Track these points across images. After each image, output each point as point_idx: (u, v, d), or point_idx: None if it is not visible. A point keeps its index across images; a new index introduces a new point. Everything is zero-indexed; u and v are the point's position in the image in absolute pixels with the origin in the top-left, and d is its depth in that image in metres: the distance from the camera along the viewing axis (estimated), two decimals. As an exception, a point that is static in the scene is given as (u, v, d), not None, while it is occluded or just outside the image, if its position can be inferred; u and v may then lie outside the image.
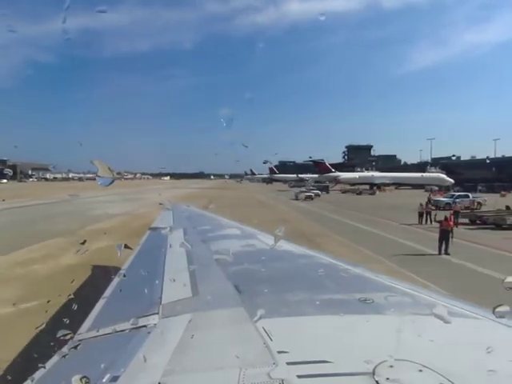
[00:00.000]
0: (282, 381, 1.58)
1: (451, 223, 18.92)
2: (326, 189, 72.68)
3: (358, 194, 75.62)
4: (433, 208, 35.29)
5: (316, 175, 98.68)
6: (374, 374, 1.60)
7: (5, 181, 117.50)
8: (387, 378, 1.56)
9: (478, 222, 29.24)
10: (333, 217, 34.97)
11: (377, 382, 1.55)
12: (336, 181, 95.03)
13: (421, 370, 1.62)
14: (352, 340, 2.03)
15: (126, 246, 3.26)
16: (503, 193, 64.76)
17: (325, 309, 2.48)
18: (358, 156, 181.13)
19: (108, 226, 24.58)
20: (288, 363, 1.71)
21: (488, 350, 1.78)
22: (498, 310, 2.10)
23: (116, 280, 3.52)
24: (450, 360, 1.74)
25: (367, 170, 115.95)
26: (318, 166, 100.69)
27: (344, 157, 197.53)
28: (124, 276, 3.53)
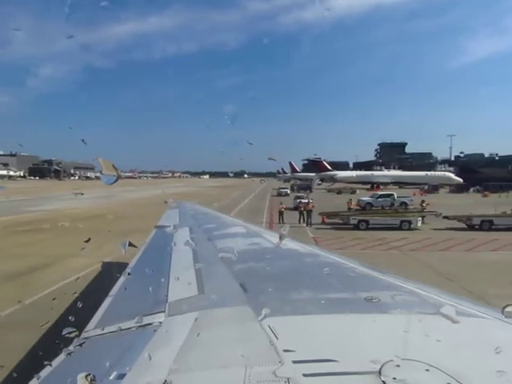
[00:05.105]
0: (288, 379, 1.57)
1: None
2: (308, 188, 71.18)
3: (337, 193, 72.98)
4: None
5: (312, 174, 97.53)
6: (380, 373, 1.58)
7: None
8: (394, 378, 1.55)
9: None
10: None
11: (383, 381, 1.53)
12: (333, 180, 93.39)
13: (428, 370, 1.60)
14: (358, 339, 2.01)
15: (131, 244, 3.27)
16: (486, 193, 62.68)
17: (331, 308, 2.46)
18: (390, 154, 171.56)
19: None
20: (294, 362, 1.70)
21: (497, 351, 1.75)
22: (507, 309, 2.07)
23: (122, 278, 3.53)
24: (457, 360, 1.71)
25: (387, 168, 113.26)
26: (316, 165, 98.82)
27: (376, 155, 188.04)
28: (129, 274, 3.54)
